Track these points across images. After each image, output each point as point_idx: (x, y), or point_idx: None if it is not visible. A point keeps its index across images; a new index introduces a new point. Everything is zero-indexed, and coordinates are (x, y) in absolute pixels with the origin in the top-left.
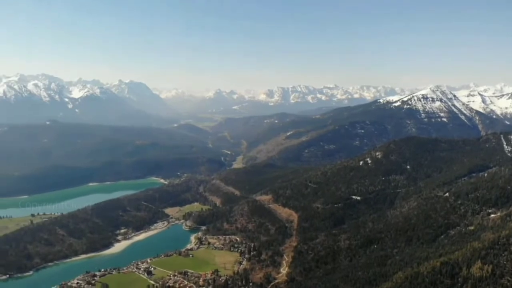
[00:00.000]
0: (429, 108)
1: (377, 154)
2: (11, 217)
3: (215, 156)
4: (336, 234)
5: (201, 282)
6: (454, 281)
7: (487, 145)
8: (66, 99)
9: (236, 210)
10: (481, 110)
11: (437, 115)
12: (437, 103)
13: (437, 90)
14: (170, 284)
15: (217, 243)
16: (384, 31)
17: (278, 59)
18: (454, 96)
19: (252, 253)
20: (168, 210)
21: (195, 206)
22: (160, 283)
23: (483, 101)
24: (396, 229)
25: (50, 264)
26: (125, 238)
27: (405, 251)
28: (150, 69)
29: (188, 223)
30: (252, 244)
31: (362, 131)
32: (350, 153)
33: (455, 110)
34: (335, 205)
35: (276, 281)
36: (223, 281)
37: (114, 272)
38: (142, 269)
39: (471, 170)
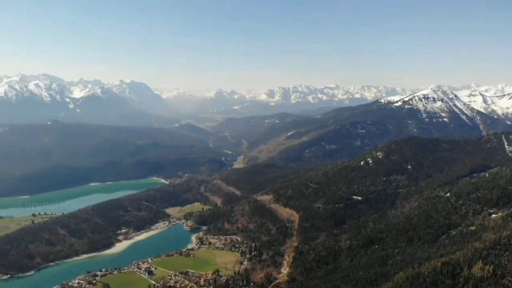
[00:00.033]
0: (430, 108)
1: (378, 154)
2: (12, 217)
3: (216, 156)
4: (337, 234)
5: (202, 282)
6: (455, 282)
7: (488, 145)
8: (67, 99)
9: (237, 210)
10: (482, 110)
11: (438, 115)
12: (438, 103)
13: (438, 90)
14: (171, 284)
15: (218, 243)
16: (384, 31)
17: (278, 59)
18: (456, 96)
19: (253, 253)
20: (169, 210)
21: (196, 206)
22: (161, 283)
23: (485, 101)
24: (397, 229)
25: (51, 264)
26: (126, 238)
27: (406, 251)
28: (150, 69)
29: (189, 223)
30: (253, 244)
31: (363, 131)
32: (351, 153)
33: (456, 110)
34: (336, 205)
35: (277, 281)
36: (224, 281)
37: (115, 272)
38: (143, 269)
39: (472, 170)
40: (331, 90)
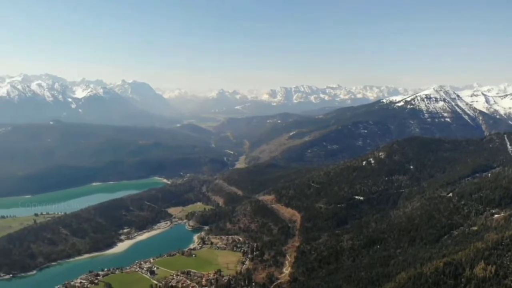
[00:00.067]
0: (432, 108)
1: (380, 154)
2: (14, 216)
3: (217, 156)
4: (339, 234)
5: (203, 282)
6: (457, 282)
7: (490, 145)
8: (70, 99)
9: (239, 210)
10: (484, 110)
11: (440, 115)
12: (441, 103)
13: (441, 90)
14: (173, 284)
15: (220, 243)
16: (384, 31)
17: (278, 59)
18: (458, 96)
19: (254, 253)
20: (171, 210)
21: (198, 206)
22: (163, 282)
23: (487, 101)
24: (399, 229)
25: (53, 263)
26: (128, 238)
27: (408, 251)
28: (150, 69)
29: (191, 223)
30: (255, 244)
31: (365, 131)
32: (353, 153)
33: (458, 110)
34: (338, 205)
35: (279, 281)
36: (225, 281)
37: (117, 272)
38: (145, 268)
39: (474, 170)
40: (333, 90)
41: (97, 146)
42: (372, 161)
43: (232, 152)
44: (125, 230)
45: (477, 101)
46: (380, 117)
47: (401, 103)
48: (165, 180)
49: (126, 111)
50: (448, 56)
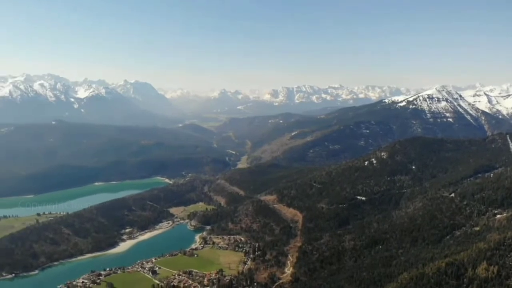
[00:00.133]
0: (434, 108)
1: (382, 154)
2: (17, 216)
3: (219, 156)
4: (341, 235)
5: (205, 282)
6: (459, 282)
7: (493, 146)
8: (72, 99)
9: (240, 210)
10: (487, 110)
11: (442, 115)
12: (443, 103)
13: (443, 90)
14: (175, 284)
15: (222, 243)
16: (384, 31)
17: (278, 59)
18: (460, 96)
19: (256, 253)
20: (173, 210)
21: (200, 206)
22: (164, 282)
23: (489, 101)
24: (401, 229)
25: (55, 263)
26: (130, 238)
27: (410, 251)
28: (151, 69)
29: (193, 222)
30: (257, 244)
31: (367, 131)
32: (355, 153)
33: (461, 110)
34: (340, 206)
35: (281, 281)
36: (227, 281)
37: (119, 272)
38: (147, 268)
39: (476, 170)
40: (335, 90)
41: (100, 146)
42: (374, 161)
43: (234, 152)
44: (127, 230)
45: (479, 101)
46: (382, 117)
47: (403, 103)
48: (167, 180)
49: (128, 111)
50: (450, 56)
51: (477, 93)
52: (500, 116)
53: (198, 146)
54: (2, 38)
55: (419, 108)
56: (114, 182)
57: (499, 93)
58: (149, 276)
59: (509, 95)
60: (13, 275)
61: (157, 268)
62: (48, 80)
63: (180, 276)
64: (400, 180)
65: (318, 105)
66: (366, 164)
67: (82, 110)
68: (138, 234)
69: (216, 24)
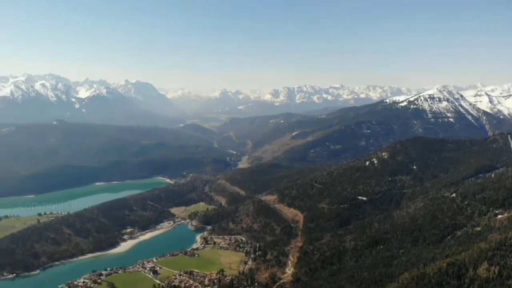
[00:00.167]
0: (436, 108)
1: (383, 154)
2: (18, 216)
3: (220, 156)
4: (342, 235)
5: (206, 282)
6: (460, 282)
7: (494, 146)
8: (73, 99)
9: (241, 210)
10: (488, 110)
11: (444, 115)
12: (444, 103)
13: (444, 90)
14: (176, 284)
15: (223, 243)
16: (384, 31)
17: (278, 59)
18: (461, 96)
19: (257, 253)
20: (174, 210)
21: (201, 206)
22: (165, 282)
23: (490, 101)
24: (402, 229)
25: (56, 263)
26: (131, 238)
27: (411, 251)
28: (151, 69)
29: (194, 222)
30: (258, 244)
31: (368, 131)
32: (356, 153)
33: (462, 110)
34: (341, 206)
35: (282, 281)
36: (228, 281)
37: (120, 271)
38: (148, 268)
39: (478, 170)
40: (336, 90)
41: (101, 146)
42: (375, 161)
43: (235, 152)
44: (128, 230)
45: (480, 101)
46: (383, 117)
47: (405, 103)
48: (168, 180)
49: (129, 111)
50: (450, 56)
51: (478, 93)
52: (501, 116)
53: (199, 146)
54: (3, 38)
55: (420, 108)
56: (115, 182)
57: (500, 93)
58: (150, 276)
59: (510, 95)
60: (14, 275)
61: (158, 268)
62: (49, 80)
63: (181, 276)
64: (401, 180)
65: (319, 105)
66: (367, 164)
67: (83, 110)
68: (139, 234)
69: (216, 24)
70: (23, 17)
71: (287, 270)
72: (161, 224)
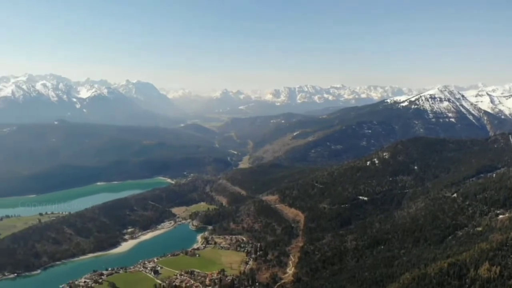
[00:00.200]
0: (437, 108)
1: (384, 154)
2: (19, 216)
3: (221, 156)
4: (343, 235)
5: (207, 282)
6: (461, 282)
7: (495, 146)
8: (74, 99)
9: (242, 210)
10: (489, 110)
11: (445, 115)
12: (445, 103)
13: (445, 90)
14: (177, 284)
15: (224, 242)
16: (384, 31)
17: (279, 59)
18: (462, 96)
19: (258, 253)
20: (175, 210)
21: (202, 206)
22: (166, 282)
23: (492, 101)
24: (403, 230)
25: (57, 263)
26: (132, 238)
27: (413, 252)
28: (151, 69)
29: (195, 222)
30: (259, 244)
31: (369, 131)
32: (357, 153)
33: (463, 110)
34: (342, 206)
35: (283, 281)
36: (229, 280)
37: (121, 271)
38: (149, 268)
39: (479, 170)
40: (337, 90)
41: (102, 146)
42: (376, 161)
43: (235, 152)
44: (129, 230)
45: (482, 101)
46: (384, 117)
47: (406, 103)
48: (169, 180)
49: (130, 111)
50: (451, 56)
51: (480, 93)
52: (503, 116)
53: (200, 146)
54: (4, 38)
55: (421, 108)
56: (116, 182)
57: (502, 93)
58: (151, 276)
59: (511, 95)
60: (15, 274)
61: (159, 268)
62: (50, 80)
63: (182, 276)
64: (402, 180)
65: (320, 105)
66: (368, 164)
67: (84, 110)
68: (140, 234)
69: (216, 24)
70: (23, 17)
71: (288, 270)
72: (162, 224)
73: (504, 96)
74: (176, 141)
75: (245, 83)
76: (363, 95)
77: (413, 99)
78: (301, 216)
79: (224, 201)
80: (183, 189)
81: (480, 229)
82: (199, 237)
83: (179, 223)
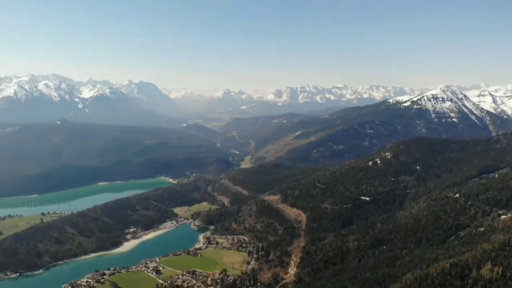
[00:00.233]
0: (439, 108)
1: (386, 154)
2: (21, 215)
3: (223, 156)
4: (345, 235)
5: (209, 282)
6: (463, 283)
7: (497, 146)
8: (76, 99)
9: (244, 210)
10: (492, 110)
11: (447, 115)
12: (448, 103)
13: (448, 90)
14: (179, 283)
15: (225, 242)
16: (384, 31)
17: (279, 59)
18: (465, 96)
19: (260, 253)
20: (177, 210)
21: (204, 206)
22: (168, 282)
23: (494, 101)
24: (405, 230)
25: (60, 262)
26: (134, 237)
27: (415, 252)
28: (151, 69)
29: (197, 222)
30: (260, 244)
31: (371, 131)
32: (359, 153)
33: (465, 110)
34: (344, 206)
35: (284, 281)
36: (231, 280)
37: (123, 271)
38: (150, 268)
39: (481, 171)
40: (339, 90)
41: (104, 146)
42: (378, 162)
43: (237, 152)
44: (131, 230)
45: (484, 101)
46: (386, 117)
47: (408, 103)
48: (171, 180)
49: (132, 111)
50: (451, 56)
51: (482, 93)
52: (505, 116)
53: (202, 146)
54: (5, 38)
55: (424, 108)
56: (118, 182)
57: (504, 93)
58: (153, 276)
59: None
60: (18, 274)
61: (161, 267)
62: (52, 80)
63: (184, 276)
64: (405, 181)
65: (322, 105)
66: (370, 164)
67: (87, 110)
68: (142, 233)
69: (216, 24)
70: (23, 17)
71: (289, 270)
72: (164, 224)
73: (507, 96)
74: (178, 141)
75: (245, 83)
76: (365, 95)
77: (415, 99)
78: (303, 216)
79: (226, 201)
80: (185, 189)
81: (482, 229)
82: (201, 237)
83: (181, 223)
